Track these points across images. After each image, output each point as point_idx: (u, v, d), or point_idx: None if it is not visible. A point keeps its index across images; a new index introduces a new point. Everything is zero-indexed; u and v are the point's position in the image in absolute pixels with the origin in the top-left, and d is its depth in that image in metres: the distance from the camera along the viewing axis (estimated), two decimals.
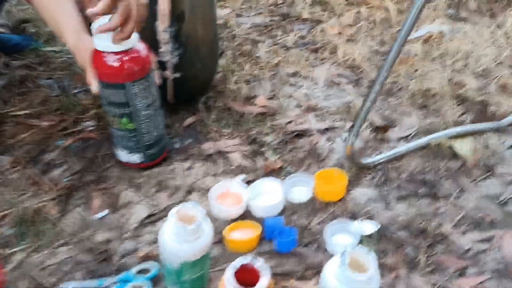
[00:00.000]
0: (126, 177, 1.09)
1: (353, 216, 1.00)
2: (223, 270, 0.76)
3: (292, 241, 0.91)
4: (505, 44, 1.63)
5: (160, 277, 0.85)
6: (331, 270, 0.67)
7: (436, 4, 1.85)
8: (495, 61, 1.56)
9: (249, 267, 0.67)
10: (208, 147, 1.18)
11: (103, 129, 1.24)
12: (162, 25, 1.12)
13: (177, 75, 1.21)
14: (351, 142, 1.04)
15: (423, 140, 1.19)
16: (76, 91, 1.37)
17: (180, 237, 0.71)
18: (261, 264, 0.67)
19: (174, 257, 0.73)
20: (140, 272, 0.86)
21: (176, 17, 1.14)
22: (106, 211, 0.98)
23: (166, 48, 1.16)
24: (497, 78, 1.48)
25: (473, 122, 1.30)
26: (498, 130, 1.28)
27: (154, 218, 0.99)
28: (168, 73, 1.20)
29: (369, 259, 0.65)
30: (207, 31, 1.25)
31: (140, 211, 1.00)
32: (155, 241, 0.92)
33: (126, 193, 1.04)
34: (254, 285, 0.65)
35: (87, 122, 1.26)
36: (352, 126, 1.03)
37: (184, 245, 0.71)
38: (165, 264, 0.76)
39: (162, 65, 1.19)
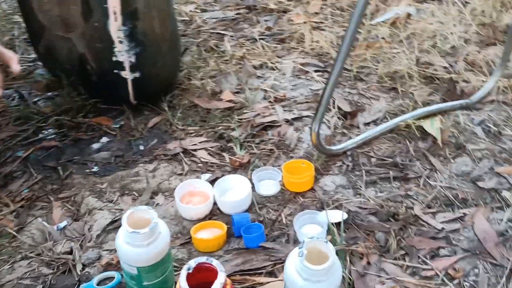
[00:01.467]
0: (89, 184, 1.05)
1: (323, 205, 0.98)
2: None
3: (260, 236, 0.89)
4: (472, 21, 1.62)
5: (123, 285, 0.82)
6: (292, 262, 0.65)
7: None
8: (463, 39, 1.54)
9: (205, 266, 0.64)
10: (174, 146, 1.15)
11: (65, 136, 1.20)
12: (115, 24, 1.09)
13: (137, 74, 1.18)
14: (316, 130, 1.01)
15: (391, 123, 1.17)
16: (36, 99, 1.33)
17: (133, 242, 0.68)
18: (216, 263, 0.64)
19: (130, 262, 0.70)
20: (103, 281, 0.83)
21: (130, 14, 1.10)
22: (65, 222, 0.95)
23: (121, 47, 1.12)
24: (465, 55, 1.47)
25: (442, 101, 1.29)
26: (467, 108, 1.26)
27: (118, 224, 0.95)
28: (127, 73, 1.16)
29: (328, 248, 0.63)
30: (166, 27, 1.22)
31: (103, 218, 0.96)
32: None
33: (89, 200, 1.01)
34: (211, 284, 0.62)
35: (49, 130, 1.22)
36: (316, 114, 1.00)
37: (139, 250, 0.68)
38: (124, 270, 0.73)
39: (119, 65, 1.15)
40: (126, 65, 1.15)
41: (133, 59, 1.15)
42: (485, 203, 0.99)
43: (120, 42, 1.11)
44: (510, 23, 1.24)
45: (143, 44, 1.15)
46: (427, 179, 1.04)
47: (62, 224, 0.95)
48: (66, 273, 0.85)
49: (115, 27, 1.09)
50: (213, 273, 0.63)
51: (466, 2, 1.75)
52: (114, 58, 1.14)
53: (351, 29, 0.90)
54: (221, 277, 0.62)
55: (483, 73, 1.40)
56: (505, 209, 0.97)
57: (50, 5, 1.15)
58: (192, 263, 0.64)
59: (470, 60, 1.46)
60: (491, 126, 1.20)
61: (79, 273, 0.84)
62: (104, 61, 1.16)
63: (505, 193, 1.01)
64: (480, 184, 1.03)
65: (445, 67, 1.42)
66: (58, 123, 1.23)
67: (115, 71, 1.16)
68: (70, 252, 0.89)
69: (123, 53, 1.13)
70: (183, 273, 0.63)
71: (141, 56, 1.16)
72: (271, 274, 0.84)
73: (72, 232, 0.94)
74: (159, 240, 0.70)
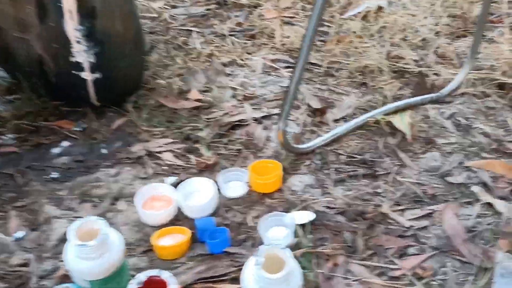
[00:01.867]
0: (48, 191, 1.01)
1: (290, 206, 0.96)
2: None
3: (224, 242, 0.86)
4: (443, 13, 1.61)
5: None
6: (249, 271, 0.62)
7: None
8: (434, 31, 1.53)
9: (156, 279, 0.61)
10: (138, 149, 1.12)
11: (24, 141, 1.15)
12: (71, 23, 1.04)
13: (98, 75, 1.14)
14: (282, 128, 0.99)
15: (360, 119, 1.15)
16: None
17: (82, 255, 0.65)
18: (167, 276, 0.61)
19: (82, 276, 0.67)
20: None
21: (87, 13, 1.06)
22: (22, 233, 0.91)
23: (79, 47, 1.08)
24: (436, 48, 1.46)
25: (412, 95, 1.27)
26: (437, 101, 1.25)
27: None
28: (86, 74, 1.12)
29: (285, 255, 0.60)
30: (128, 25, 1.17)
31: (61, 227, 0.92)
32: None
33: (47, 208, 0.97)
34: None
35: (7, 135, 1.17)
36: (281, 112, 0.98)
37: (89, 263, 0.65)
38: (76, 284, 0.70)
39: (78, 66, 1.11)
40: (86, 65, 1.11)
41: (92, 60, 1.11)
42: (454, 198, 0.98)
43: (78, 42, 1.07)
44: (478, 15, 1.23)
45: (103, 44, 1.11)
46: (396, 176, 1.03)
47: (18, 235, 0.91)
48: (20, 287, 0.81)
49: (72, 26, 1.05)
50: (165, 287, 0.60)
51: None
52: (72, 59, 1.09)
53: (312, 23, 0.87)
54: None
55: (454, 66, 1.39)
56: (474, 204, 0.96)
57: (5, 5, 1.10)
58: (143, 276, 0.61)
59: (441, 52, 1.44)
60: (461, 119, 1.19)
61: (34, 286, 0.81)
62: (62, 62, 1.11)
63: (474, 188, 1.00)
64: (449, 179, 1.02)
65: (415, 61, 1.40)
66: (18, 127, 1.18)
67: (74, 72, 1.11)
68: (26, 264, 0.85)
69: (81, 54, 1.09)
70: (133, 287, 0.60)
71: (102, 56, 1.12)
72: (235, 280, 0.81)
73: (29, 242, 0.90)
74: (111, 252, 0.67)
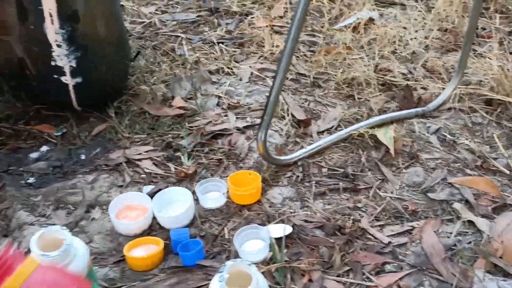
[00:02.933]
0: (22, 196, 0.99)
1: (269, 219, 0.94)
2: None
3: (197, 254, 0.84)
4: (434, 27, 1.60)
5: None
6: (215, 286, 0.60)
7: None
8: (424, 45, 1.53)
9: None
10: (117, 156, 1.10)
11: (3, 145, 1.13)
12: (51, 26, 1.03)
13: (79, 80, 1.12)
14: (262, 138, 0.97)
15: (344, 132, 1.13)
16: None
17: (46, 265, 0.63)
18: None
19: None
20: None
21: (68, 17, 1.04)
22: None
23: (59, 51, 1.06)
24: (425, 61, 1.45)
25: (399, 108, 1.26)
26: (424, 116, 1.24)
27: None
28: (67, 78, 1.10)
29: (251, 271, 0.58)
30: (111, 30, 1.16)
31: (33, 234, 0.90)
32: None
33: (20, 214, 0.94)
34: None
35: None
36: (261, 122, 0.96)
37: None
38: None
39: (59, 70, 1.09)
40: (67, 70, 1.09)
41: (73, 64, 1.09)
42: (435, 215, 0.96)
43: (58, 46, 1.05)
44: (466, 30, 1.23)
45: (85, 48, 1.09)
46: (377, 190, 1.01)
47: None
48: None
49: (52, 30, 1.03)
50: None
51: (431, 7, 1.74)
52: (53, 63, 1.08)
53: (292, 32, 0.86)
54: None
55: (442, 80, 1.38)
56: (455, 221, 0.95)
57: None
58: None
59: (430, 66, 1.44)
60: (447, 134, 1.18)
61: None
62: (42, 66, 1.10)
63: (456, 205, 0.98)
64: (432, 195, 1.01)
65: (403, 74, 1.40)
66: None
67: (55, 76, 1.10)
68: None
69: (62, 58, 1.07)
70: None
71: (83, 61, 1.10)
72: None
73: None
74: (75, 263, 0.65)
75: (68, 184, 1.02)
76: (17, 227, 0.92)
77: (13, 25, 1.07)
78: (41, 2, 0.99)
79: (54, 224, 0.93)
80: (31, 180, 1.04)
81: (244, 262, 0.59)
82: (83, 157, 1.10)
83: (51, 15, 1.01)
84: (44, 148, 1.13)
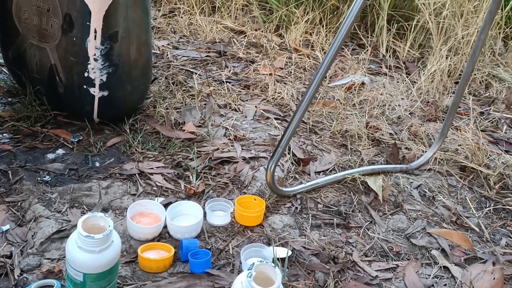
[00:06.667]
0: (38, 192, 1.03)
1: (269, 241, 1.02)
2: None
3: (206, 263, 0.91)
4: (417, 98, 1.80)
5: None
6: (239, 282, 0.68)
7: (360, 59, 2.01)
8: (408, 111, 1.71)
9: None
10: (130, 167, 1.17)
11: (19, 142, 1.18)
12: (93, 41, 1.12)
13: (105, 93, 1.20)
14: (271, 169, 1.07)
15: (339, 174, 1.25)
16: None
17: (85, 246, 0.68)
18: None
19: (78, 267, 0.70)
20: None
21: (109, 36, 1.15)
22: (7, 226, 0.92)
23: (95, 64, 1.15)
24: (409, 126, 1.62)
25: (386, 162, 1.40)
26: (407, 172, 1.38)
27: (63, 234, 0.94)
28: (95, 90, 1.18)
29: (276, 273, 0.67)
30: (141, 54, 1.27)
31: (49, 226, 0.94)
32: (60, 258, 0.87)
33: (36, 207, 0.99)
34: None
35: (3, 134, 1.20)
36: (273, 155, 1.07)
37: (89, 256, 0.69)
38: (68, 275, 0.73)
39: (90, 81, 1.18)
40: (97, 82, 1.17)
41: (104, 78, 1.18)
42: (416, 258, 1.08)
43: (95, 59, 1.15)
44: (449, 105, 1.41)
45: (117, 66, 1.19)
46: (366, 230, 1.12)
47: (4, 227, 0.92)
48: (2, 276, 0.82)
49: (93, 45, 1.13)
50: None
51: (413, 82, 1.95)
52: (86, 74, 1.16)
53: (312, 87, 0.99)
54: None
55: (423, 144, 1.54)
56: (433, 266, 1.06)
57: (29, 14, 1.17)
58: None
59: (413, 131, 1.61)
60: (427, 191, 1.32)
61: (16, 277, 0.82)
62: (75, 75, 1.18)
63: (434, 252, 1.10)
64: (413, 240, 1.12)
65: (390, 134, 1.55)
66: (15, 128, 1.21)
67: (85, 86, 1.18)
68: (10, 256, 0.86)
69: (95, 71, 1.16)
70: None
71: (113, 77, 1.19)
72: None
73: (14, 237, 0.91)
74: (111, 249, 0.71)
75: (84, 186, 1.07)
76: (32, 219, 0.96)
77: (55, 34, 1.15)
78: (91, 19, 1.09)
79: (68, 221, 0.98)
80: (47, 178, 1.08)
81: (270, 264, 0.67)
82: (97, 164, 1.16)
83: (95, 31, 1.11)
84: (60, 151, 1.18)
